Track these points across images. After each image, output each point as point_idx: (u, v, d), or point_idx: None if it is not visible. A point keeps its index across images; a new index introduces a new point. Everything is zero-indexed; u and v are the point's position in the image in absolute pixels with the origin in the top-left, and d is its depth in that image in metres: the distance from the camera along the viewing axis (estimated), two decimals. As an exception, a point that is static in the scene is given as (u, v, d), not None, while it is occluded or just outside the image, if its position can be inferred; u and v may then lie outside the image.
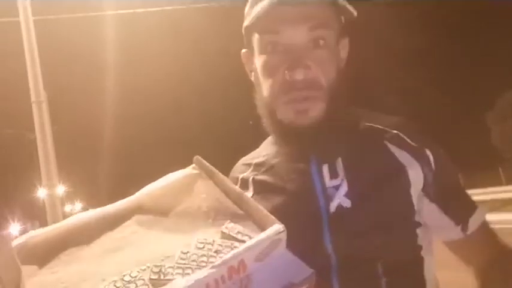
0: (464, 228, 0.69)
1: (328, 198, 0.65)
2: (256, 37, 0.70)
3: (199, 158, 0.62)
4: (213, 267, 0.44)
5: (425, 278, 0.66)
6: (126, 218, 0.56)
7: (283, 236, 0.48)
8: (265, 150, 0.78)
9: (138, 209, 0.57)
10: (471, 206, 0.71)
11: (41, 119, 6.09)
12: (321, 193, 0.66)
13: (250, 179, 0.75)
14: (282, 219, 0.50)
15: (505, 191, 10.46)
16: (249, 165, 0.78)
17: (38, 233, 0.52)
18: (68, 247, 0.51)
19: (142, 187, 0.61)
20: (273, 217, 0.50)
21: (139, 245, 0.51)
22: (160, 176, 0.62)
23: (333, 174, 0.67)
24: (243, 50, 0.77)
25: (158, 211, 0.57)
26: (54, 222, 0.59)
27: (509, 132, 18.02)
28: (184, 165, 0.64)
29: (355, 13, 0.67)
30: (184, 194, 0.59)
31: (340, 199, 0.65)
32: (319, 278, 0.50)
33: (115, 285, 0.44)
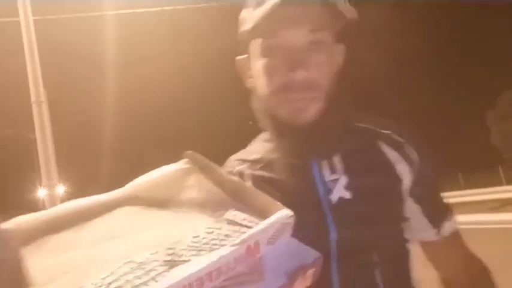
0: (439, 231, 0.73)
1: (328, 191, 0.68)
2: (255, 41, 0.70)
3: (192, 152, 0.62)
4: (233, 245, 0.44)
5: (411, 267, 0.71)
6: (121, 206, 0.55)
7: (292, 220, 0.49)
8: (259, 148, 0.78)
9: (133, 199, 0.57)
10: (448, 212, 0.75)
11: (41, 119, 6.10)
12: (321, 186, 0.68)
13: (247, 173, 0.75)
14: None
15: (505, 191, 10.45)
16: (243, 160, 0.78)
17: (29, 218, 0.50)
18: (63, 232, 0.50)
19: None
20: (279, 203, 0.50)
21: (140, 232, 0.50)
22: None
23: (332, 170, 0.70)
24: (238, 58, 0.77)
25: (154, 201, 0.57)
26: (54, 222, 0.57)
27: (509, 132, 18.03)
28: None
29: (355, 16, 0.68)
30: (177, 187, 0.59)
31: (341, 191, 0.68)
32: (322, 263, 0.53)
33: (129, 266, 0.42)
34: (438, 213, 0.74)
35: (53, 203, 5.82)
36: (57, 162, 6.33)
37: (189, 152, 0.61)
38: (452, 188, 13.48)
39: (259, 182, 0.72)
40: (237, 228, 0.49)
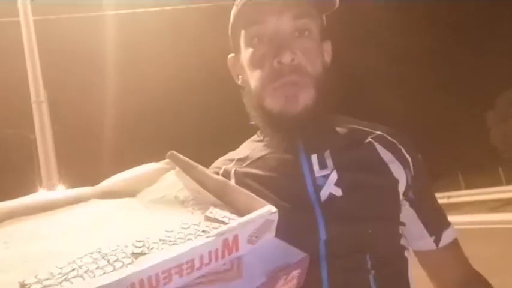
0: (437, 241, 0.70)
1: (318, 187, 0.66)
2: (242, 33, 0.70)
3: (174, 152, 0.61)
4: (208, 237, 0.41)
5: (409, 278, 0.67)
6: (93, 201, 0.52)
7: (275, 217, 0.46)
8: (247, 148, 0.77)
9: (106, 193, 0.54)
10: (446, 221, 0.73)
11: (41, 119, 6.09)
12: (310, 181, 0.66)
13: (232, 171, 0.73)
14: None
15: (505, 191, 10.45)
16: (230, 160, 0.77)
17: None
18: (25, 222, 0.47)
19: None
20: (262, 200, 0.48)
21: (111, 226, 0.47)
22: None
23: (322, 165, 0.67)
24: (230, 55, 0.77)
25: (128, 195, 0.54)
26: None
27: (509, 132, 18.02)
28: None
29: (336, 4, 0.69)
30: (156, 185, 0.56)
31: (331, 188, 0.65)
32: (309, 265, 0.50)
33: (91, 257, 0.39)
34: (435, 220, 0.72)
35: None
36: (57, 162, 6.32)
37: (171, 152, 0.61)
38: (452, 188, 13.48)
39: (245, 179, 0.70)
40: (216, 225, 0.46)
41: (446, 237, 0.71)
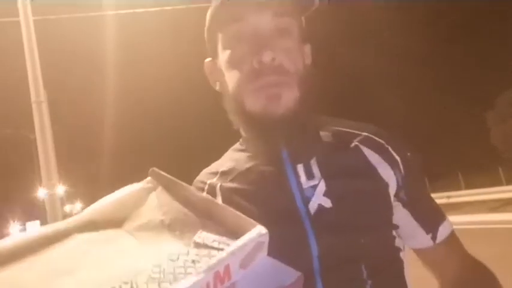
0: (434, 237, 0.69)
1: (306, 199, 0.63)
2: (219, 36, 0.68)
3: (156, 169, 0.57)
4: (198, 273, 0.39)
5: (406, 279, 0.66)
6: (74, 237, 0.49)
7: (266, 238, 0.44)
8: (230, 159, 0.74)
9: (87, 225, 0.50)
10: (441, 215, 0.72)
11: (41, 119, 6.09)
12: (298, 193, 0.64)
13: (218, 186, 0.70)
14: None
15: (505, 191, 10.45)
16: (214, 173, 0.74)
17: None
18: (5, 270, 0.43)
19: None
20: (251, 220, 0.46)
21: (96, 264, 0.44)
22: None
23: (309, 175, 0.65)
24: (206, 60, 0.74)
25: (111, 225, 0.51)
26: (54, 222, 0.54)
27: (509, 132, 18.01)
28: (184, 164, 0.63)
29: (316, 4, 0.67)
30: (140, 209, 0.53)
31: (320, 199, 0.63)
32: (304, 281, 0.49)
33: None
34: (430, 217, 0.70)
35: (53, 203, 5.82)
36: (57, 162, 6.32)
37: (153, 169, 0.57)
38: (452, 188, 13.48)
39: (231, 195, 0.68)
40: (205, 252, 0.44)
41: (443, 232, 0.70)
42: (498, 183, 12.80)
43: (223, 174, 0.72)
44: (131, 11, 7.86)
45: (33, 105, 6.10)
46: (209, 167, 0.77)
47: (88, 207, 0.53)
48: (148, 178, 0.57)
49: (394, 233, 0.67)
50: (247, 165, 0.70)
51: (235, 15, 0.64)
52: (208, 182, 0.73)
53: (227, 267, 0.41)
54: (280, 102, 0.62)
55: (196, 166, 0.83)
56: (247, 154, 0.72)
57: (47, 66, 6.87)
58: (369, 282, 0.60)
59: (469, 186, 13.98)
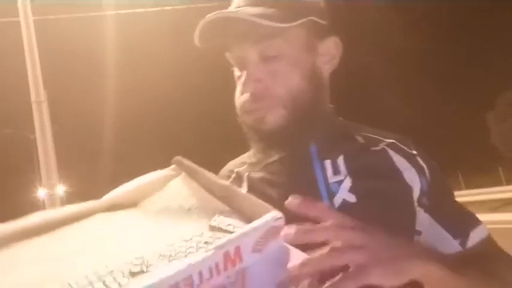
0: (463, 242, 0.68)
1: (331, 193, 0.65)
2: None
3: (180, 158, 0.59)
4: (207, 251, 0.39)
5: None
6: (94, 217, 0.50)
7: (281, 223, 0.44)
8: (259, 152, 0.76)
9: (111, 207, 0.52)
10: (472, 221, 0.70)
11: (41, 119, 6.09)
12: (323, 187, 0.65)
13: (246, 174, 0.73)
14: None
15: (505, 191, 10.46)
16: (243, 163, 0.76)
17: None
18: (24, 247, 0.44)
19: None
20: (268, 205, 0.46)
21: (112, 243, 0.45)
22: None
23: (336, 170, 0.67)
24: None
25: (134, 207, 0.53)
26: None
27: (509, 132, 18.02)
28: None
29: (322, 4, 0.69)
30: (161, 193, 0.55)
31: (345, 194, 0.64)
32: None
33: (87, 279, 0.38)
34: (457, 222, 0.69)
35: (53, 203, 5.82)
36: (57, 162, 6.33)
37: (177, 157, 0.59)
38: (452, 188, 13.46)
39: (258, 184, 0.70)
40: (220, 235, 0.44)
41: (474, 237, 0.68)
42: (498, 183, 12.81)
43: (252, 164, 0.74)
44: (131, 11, 7.87)
45: (33, 105, 6.11)
46: (237, 159, 0.80)
47: (111, 191, 0.55)
48: (172, 166, 0.59)
49: (416, 238, 0.67)
50: (276, 157, 0.72)
51: (226, 46, 0.69)
52: (236, 170, 0.75)
53: (238, 249, 0.40)
54: (266, 123, 0.66)
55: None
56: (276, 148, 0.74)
57: (47, 66, 6.88)
58: None
59: (469, 186, 13.98)
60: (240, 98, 0.69)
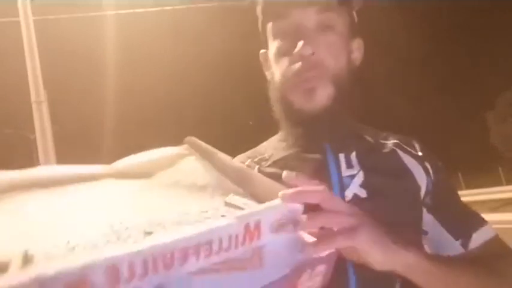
0: (464, 243, 0.67)
1: (343, 186, 0.65)
2: (268, 28, 0.72)
3: (193, 138, 0.58)
4: (230, 219, 0.37)
5: None
6: (105, 181, 0.48)
7: (301, 209, 0.44)
8: (269, 148, 0.76)
9: (121, 174, 0.49)
10: (476, 222, 0.70)
11: (41, 119, 6.09)
12: (336, 180, 0.66)
13: (256, 168, 0.72)
14: None
15: (505, 191, 10.46)
16: (252, 157, 0.75)
17: None
18: (35, 195, 0.43)
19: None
20: (285, 187, 0.45)
21: (125, 206, 0.43)
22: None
23: (349, 164, 0.68)
24: (261, 51, 0.78)
25: (145, 178, 0.50)
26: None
27: (509, 132, 18.02)
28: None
29: (361, 3, 0.70)
30: (173, 169, 0.53)
31: (356, 188, 0.65)
32: (334, 269, 0.49)
33: (101, 232, 0.36)
34: (460, 223, 0.69)
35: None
36: (57, 162, 6.33)
37: (190, 137, 0.59)
38: (452, 188, 13.45)
39: (269, 178, 0.69)
40: (235, 211, 0.43)
41: (477, 239, 0.67)
42: (498, 183, 12.81)
43: (262, 160, 0.74)
44: (131, 11, 7.86)
45: (33, 105, 6.10)
46: (247, 152, 0.78)
47: (121, 160, 0.53)
48: (185, 145, 0.58)
49: (422, 240, 0.67)
50: (287, 152, 0.72)
51: (281, 12, 0.68)
52: (246, 163, 0.74)
53: (258, 224, 0.40)
54: (315, 97, 0.66)
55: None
56: (287, 144, 0.74)
57: (47, 66, 6.88)
58: (398, 280, 0.61)
59: (469, 186, 13.97)
60: (290, 68, 0.68)
